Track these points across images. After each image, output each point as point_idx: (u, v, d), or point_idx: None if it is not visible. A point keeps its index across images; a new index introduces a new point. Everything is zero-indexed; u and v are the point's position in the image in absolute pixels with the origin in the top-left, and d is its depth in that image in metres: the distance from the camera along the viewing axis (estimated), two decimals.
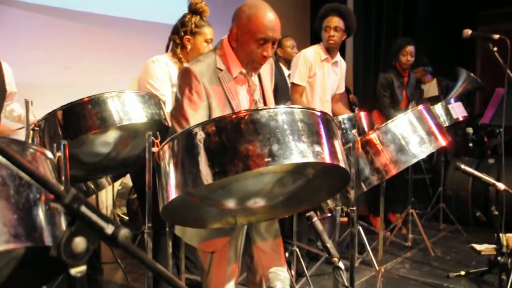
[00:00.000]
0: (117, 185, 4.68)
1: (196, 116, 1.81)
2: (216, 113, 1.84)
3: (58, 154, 1.32)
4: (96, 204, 3.75)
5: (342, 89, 3.79)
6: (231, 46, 1.93)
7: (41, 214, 0.92)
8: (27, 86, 3.86)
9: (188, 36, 2.70)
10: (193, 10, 2.75)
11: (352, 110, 4.83)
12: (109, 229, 0.72)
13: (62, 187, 0.68)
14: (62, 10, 4.38)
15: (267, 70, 2.10)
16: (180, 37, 2.76)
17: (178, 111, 1.85)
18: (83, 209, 0.70)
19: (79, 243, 0.70)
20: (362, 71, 6.54)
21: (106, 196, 4.92)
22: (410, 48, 4.39)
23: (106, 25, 4.69)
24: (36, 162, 1.01)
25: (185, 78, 1.86)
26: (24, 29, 4.14)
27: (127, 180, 4.57)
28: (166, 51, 2.84)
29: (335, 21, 3.45)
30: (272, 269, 2.03)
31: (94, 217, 0.71)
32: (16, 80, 3.17)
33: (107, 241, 0.72)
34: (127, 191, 4.70)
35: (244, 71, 1.94)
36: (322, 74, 3.56)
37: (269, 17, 1.86)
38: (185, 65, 1.92)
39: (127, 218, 4.71)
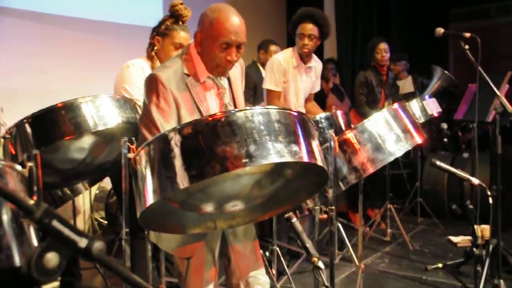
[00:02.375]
0: (94, 189, 4.61)
1: (166, 124, 1.79)
2: (185, 119, 1.81)
3: (30, 164, 1.29)
4: (72, 210, 3.70)
5: (316, 89, 3.80)
6: (197, 51, 1.90)
7: (7, 233, 0.89)
8: (1, 92, 3.79)
9: (158, 37, 2.68)
10: (170, 13, 2.72)
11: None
12: (83, 242, 0.70)
13: (31, 202, 0.66)
14: (35, 13, 4.30)
15: (237, 72, 2.08)
16: (152, 36, 2.74)
17: (148, 119, 1.81)
18: (55, 223, 0.68)
19: (51, 258, 0.68)
20: (345, 70, 6.60)
21: (84, 200, 4.85)
22: (383, 45, 4.51)
23: (82, 29, 4.61)
24: (4, 176, 0.98)
25: (152, 85, 1.83)
26: None
27: (105, 183, 4.52)
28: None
29: (309, 28, 3.38)
30: (252, 273, 2.03)
31: (66, 231, 0.69)
32: None
33: (81, 255, 0.70)
34: (105, 195, 4.64)
35: (212, 76, 1.92)
36: (295, 80, 3.53)
37: (232, 20, 1.82)
38: (152, 72, 1.89)
39: (105, 222, 4.65)
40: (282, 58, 3.50)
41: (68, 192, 3.10)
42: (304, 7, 3.55)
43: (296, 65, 3.50)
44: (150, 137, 1.75)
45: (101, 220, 4.74)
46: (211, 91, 1.95)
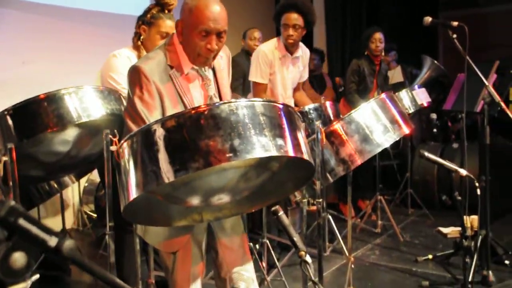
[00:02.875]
0: (83, 182, 4.57)
1: (150, 117, 1.75)
2: (169, 111, 1.78)
3: (4, 158, 1.25)
4: (61, 203, 3.66)
5: (305, 78, 3.73)
6: (179, 40, 1.86)
7: None
8: None
9: (144, 26, 2.63)
10: (156, 1, 2.68)
11: (338, 93, 4.84)
12: (52, 241, 0.67)
13: None
14: (18, 2, 4.22)
15: (223, 62, 2.04)
16: (138, 25, 2.70)
17: (133, 111, 1.78)
18: (21, 222, 0.65)
19: (18, 258, 0.65)
20: (334, 59, 6.59)
21: (73, 193, 4.81)
22: (378, 35, 4.48)
23: (66, 18, 4.53)
24: None
25: (135, 77, 1.80)
26: None
27: (94, 176, 4.47)
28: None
29: (294, 18, 3.28)
30: (235, 269, 2.01)
31: (34, 229, 0.66)
32: None
33: (51, 254, 0.67)
34: (94, 187, 4.60)
35: (196, 67, 1.89)
36: (282, 72, 3.46)
37: (211, 8, 1.78)
38: (134, 63, 1.85)
39: (95, 215, 4.61)
40: (267, 49, 3.42)
41: (55, 185, 3.06)
42: None
43: (282, 56, 3.43)
44: (135, 130, 1.72)
45: (91, 214, 4.70)
46: (195, 83, 1.91)
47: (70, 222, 4.73)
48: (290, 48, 3.43)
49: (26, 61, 4.16)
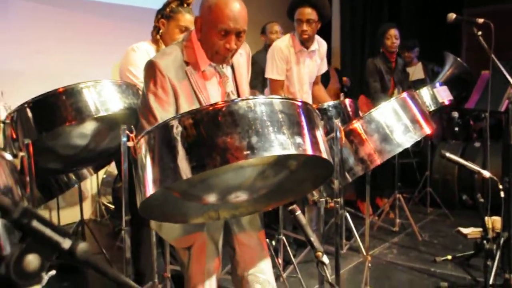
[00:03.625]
0: (101, 173, 4.61)
1: (163, 112, 1.75)
2: (184, 108, 1.77)
3: (21, 154, 1.25)
4: (79, 195, 3.69)
5: (323, 70, 3.70)
6: (197, 37, 1.85)
7: None
8: (3, 74, 3.76)
9: (163, 20, 2.62)
10: None
11: (344, 92, 4.79)
12: (66, 243, 0.66)
13: (9, 201, 0.62)
14: None
15: (243, 60, 2.02)
16: (157, 19, 2.69)
17: (145, 107, 1.78)
18: (35, 224, 0.64)
19: (32, 261, 0.64)
20: (349, 55, 6.50)
21: (91, 185, 4.86)
22: (393, 31, 4.42)
23: (85, 10, 4.56)
24: None
25: (150, 72, 1.79)
26: None
27: (112, 168, 4.51)
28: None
29: (307, 12, 3.24)
30: (251, 270, 1.99)
31: (48, 231, 0.65)
32: None
33: (65, 256, 0.66)
34: (112, 179, 4.64)
35: (213, 64, 1.87)
36: (298, 67, 3.43)
37: (232, 6, 1.75)
38: (151, 58, 1.84)
39: (112, 207, 4.65)
40: (283, 45, 3.39)
41: (74, 177, 3.08)
42: None
43: (298, 51, 3.39)
44: (147, 125, 1.73)
45: (108, 205, 4.74)
46: (213, 80, 1.89)
47: (88, 213, 4.78)
48: (306, 43, 3.39)
49: (45, 53, 4.19)
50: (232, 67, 1.97)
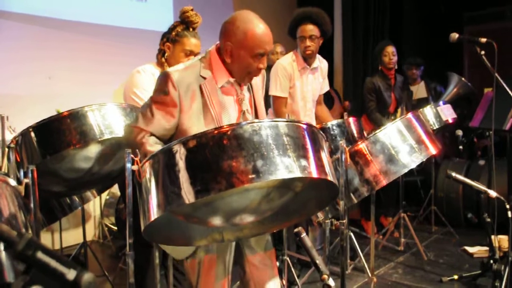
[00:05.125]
0: (104, 195, 4.60)
1: (163, 122, 1.81)
2: (185, 123, 1.81)
3: (26, 180, 1.24)
4: (82, 216, 3.67)
5: (325, 89, 3.72)
6: (223, 61, 1.88)
7: None
8: (9, 97, 3.79)
9: (168, 43, 2.64)
10: (181, 19, 2.69)
11: (342, 117, 4.81)
12: (71, 274, 0.65)
13: (13, 233, 0.62)
14: (45, 18, 4.30)
15: (259, 80, 2.06)
16: (163, 42, 2.70)
17: (148, 109, 1.83)
18: (40, 255, 0.63)
19: None
20: (351, 74, 6.52)
21: (94, 206, 4.84)
22: (391, 48, 4.46)
23: (90, 33, 4.60)
24: None
25: (163, 81, 1.83)
26: (4, 39, 4.05)
27: (115, 189, 4.49)
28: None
29: (310, 29, 3.32)
30: None
31: (52, 263, 0.64)
32: None
33: (70, 287, 0.65)
34: (115, 200, 4.62)
35: (231, 79, 1.90)
36: (301, 84, 3.46)
37: (265, 31, 1.84)
38: (168, 69, 1.87)
39: (115, 228, 4.62)
40: (285, 63, 3.44)
41: (77, 199, 3.08)
42: (300, 8, 3.49)
43: (300, 68, 3.43)
44: (141, 124, 1.80)
45: (111, 226, 4.71)
46: (230, 97, 1.92)
47: (91, 234, 4.76)
48: (308, 59, 3.44)
49: (50, 75, 4.22)
50: (251, 87, 2.02)
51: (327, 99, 5.82)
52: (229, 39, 1.84)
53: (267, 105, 4.04)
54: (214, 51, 1.90)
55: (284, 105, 3.42)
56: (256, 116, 2.01)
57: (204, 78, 1.85)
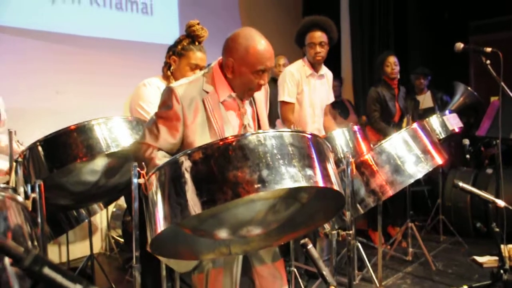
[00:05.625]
0: (111, 207, 4.60)
1: (170, 138, 1.83)
2: (190, 137, 1.83)
3: (33, 195, 1.25)
4: (89, 229, 3.68)
5: (331, 100, 3.76)
6: (225, 76, 1.91)
7: None
8: (17, 111, 3.81)
9: (174, 57, 2.66)
10: (187, 33, 2.71)
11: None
12: None
13: (20, 249, 0.62)
14: (52, 33, 4.34)
15: (262, 94, 2.08)
16: (168, 56, 2.72)
17: (154, 125, 1.85)
18: (46, 271, 0.64)
19: None
20: (361, 84, 6.55)
21: (101, 218, 4.84)
22: (392, 58, 4.48)
23: (98, 47, 4.64)
24: (4, 209, 0.94)
25: (167, 96, 1.86)
26: (12, 53, 4.10)
27: (122, 201, 4.48)
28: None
29: (318, 36, 3.41)
30: None
31: (58, 278, 0.64)
32: (5, 106, 3.12)
33: None
34: (122, 213, 4.62)
35: (233, 94, 1.92)
36: (309, 90, 3.51)
37: (266, 47, 1.86)
38: (171, 84, 1.89)
39: (122, 240, 4.62)
40: (294, 69, 3.50)
41: (84, 212, 3.08)
42: (308, 17, 3.55)
43: (309, 74, 3.50)
44: (149, 140, 1.82)
45: (118, 238, 4.71)
46: (231, 112, 1.93)
47: (98, 247, 4.75)
48: (317, 66, 3.50)
49: (58, 90, 4.26)
50: (254, 102, 2.03)
51: (342, 110, 5.85)
52: (231, 55, 1.86)
53: (274, 117, 4.09)
54: (217, 66, 1.93)
55: (291, 111, 3.47)
56: (260, 129, 2.02)
57: (207, 92, 1.88)
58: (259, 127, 2.02)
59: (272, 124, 4.09)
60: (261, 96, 2.08)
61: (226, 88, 1.89)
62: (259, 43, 1.84)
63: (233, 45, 1.86)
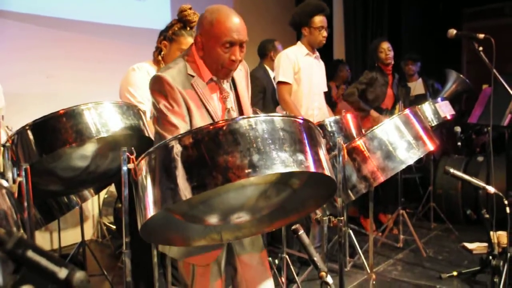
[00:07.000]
0: (103, 194, 4.59)
1: (184, 124, 1.76)
2: (196, 118, 1.78)
3: (19, 179, 1.23)
4: (80, 215, 3.67)
5: (325, 89, 3.81)
6: (199, 55, 1.86)
7: None
8: (6, 96, 3.76)
9: (165, 41, 2.63)
10: (179, 18, 2.67)
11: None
12: (62, 273, 0.64)
13: (2, 232, 0.60)
14: (42, 17, 4.28)
15: (242, 75, 2.03)
16: (160, 40, 2.69)
17: (166, 121, 1.76)
18: (30, 254, 0.62)
19: None
20: (352, 74, 6.54)
21: (92, 205, 4.83)
22: (386, 44, 4.48)
23: (87, 32, 4.58)
24: None
25: (159, 87, 1.79)
26: (1, 38, 4.03)
27: (113, 188, 4.48)
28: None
29: (324, 20, 3.52)
30: None
31: (43, 261, 0.63)
32: None
33: (61, 286, 0.64)
34: (113, 199, 4.61)
35: (215, 78, 1.88)
36: (307, 67, 3.55)
37: (233, 19, 1.79)
38: (156, 73, 1.84)
39: (114, 227, 4.61)
40: (289, 51, 3.56)
41: (75, 198, 3.06)
42: (310, 0, 3.59)
43: (306, 53, 3.56)
44: (167, 135, 1.73)
45: (110, 225, 4.70)
46: (214, 95, 1.89)
47: (89, 234, 4.74)
48: (313, 48, 3.59)
49: (48, 74, 4.21)
50: (234, 83, 1.98)
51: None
52: (199, 32, 1.83)
53: (267, 104, 4.08)
54: (195, 48, 1.88)
55: (288, 92, 3.50)
56: (241, 112, 1.97)
57: (192, 76, 1.84)
58: (241, 111, 1.97)
59: (265, 111, 4.08)
60: (241, 79, 2.03)
61: (206, 70, 1.86)
62: (225, 16, 1.78)
63: (200, 21, 1.83)
